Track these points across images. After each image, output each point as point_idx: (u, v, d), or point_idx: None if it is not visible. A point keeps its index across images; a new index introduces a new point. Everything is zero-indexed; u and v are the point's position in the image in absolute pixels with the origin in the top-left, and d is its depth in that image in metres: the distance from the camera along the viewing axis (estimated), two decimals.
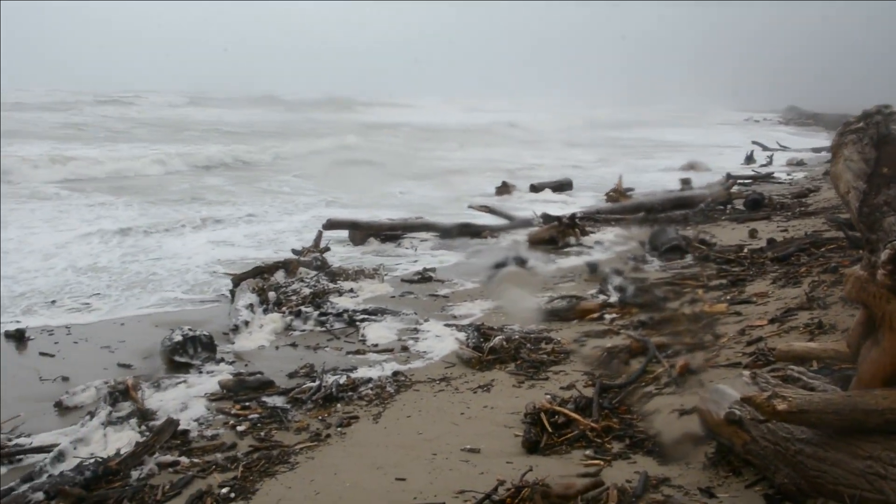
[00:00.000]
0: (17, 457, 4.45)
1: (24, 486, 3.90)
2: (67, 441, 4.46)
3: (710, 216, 12.31)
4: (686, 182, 16.41)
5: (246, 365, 6.08)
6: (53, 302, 7.93)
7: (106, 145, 24.63)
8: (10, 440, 4.63)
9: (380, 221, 11.78)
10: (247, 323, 6.95)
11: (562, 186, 17.03)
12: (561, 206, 14.02)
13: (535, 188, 16.74)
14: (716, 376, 4.79)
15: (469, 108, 60.11)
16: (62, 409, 5.25)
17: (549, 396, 4.81)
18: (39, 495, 3.80)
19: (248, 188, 17.30)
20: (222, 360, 6.11)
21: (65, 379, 5.83)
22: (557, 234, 10.77)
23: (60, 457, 4.29)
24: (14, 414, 5.12)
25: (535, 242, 10.89)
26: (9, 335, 6.75)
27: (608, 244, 10.66)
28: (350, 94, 66.48)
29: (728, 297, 6.89)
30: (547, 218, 11.74)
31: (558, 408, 4.45)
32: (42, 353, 6.45)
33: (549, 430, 4.26)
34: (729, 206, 13.14)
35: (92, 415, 4.82)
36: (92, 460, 4.15)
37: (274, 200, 15.57)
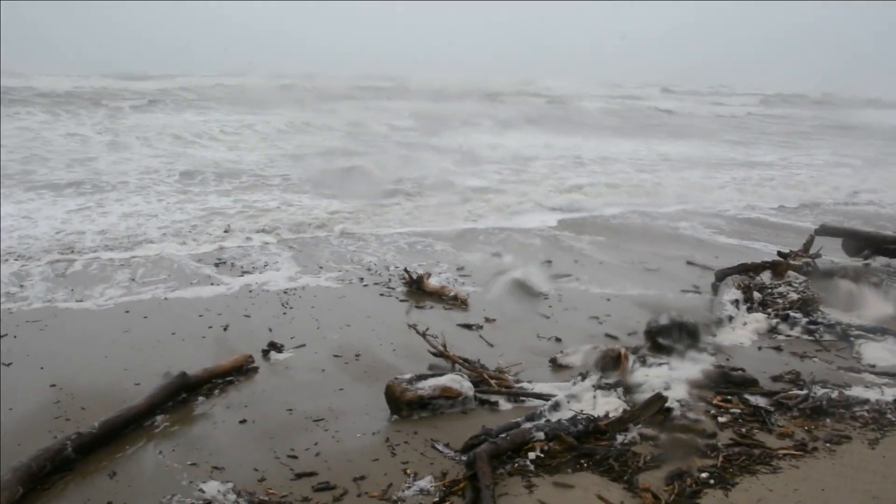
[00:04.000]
0: (521, 398, 5.36)
1: (529, 424, 4.75)
2: (562, 395, 5.27)
3: None
4: None
5: (727, 359, 6.33)
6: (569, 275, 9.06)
7: None
8: (517, 381, 5.59)
9: (884, 234, 10.72)
10: (730, 318, 7.18)
11: None
12: None
13: None
14: None
15: None
16: (556, 365, 6.16)
17: None
18: (540, 434, 4.58)
19: None
20: (704, 349, 6.41)
21: (558, 340, 6.76)
22: None
23: (556, 407, 5.09)
24: (516, 361, 6.13)
25: None
26: (513, 285, 8.06)
27: None
28: None
29: None
30: None
31: None
32: (539, 314, 7.53)
33: None
34: None
35: (583, 376, 5.59)
36: (584, 416, 4.83)
37: None
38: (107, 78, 40.79)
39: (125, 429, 4.86)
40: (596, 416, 4.96)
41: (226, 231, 10.76)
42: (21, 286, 8.15)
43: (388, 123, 27.54)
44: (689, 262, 9.85)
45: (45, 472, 4.30)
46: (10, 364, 6.07)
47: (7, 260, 9.03)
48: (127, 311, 7.39)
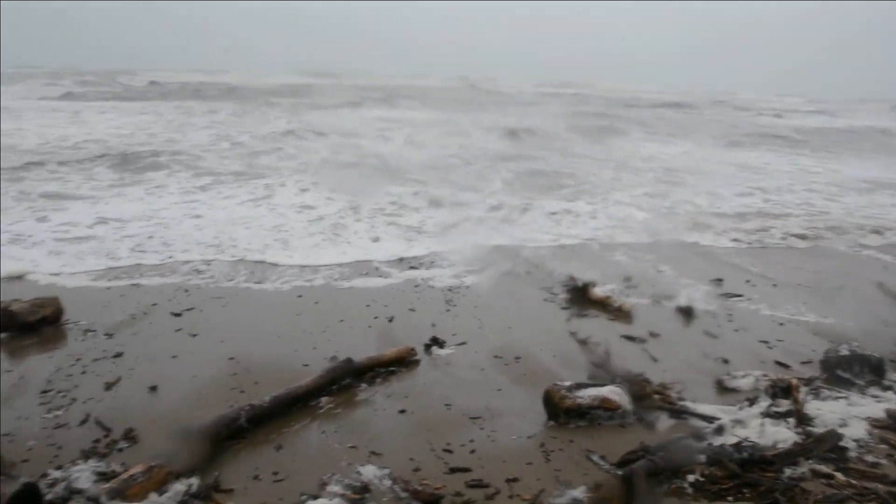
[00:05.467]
0: (683, 415, 5.19)
1: (690, 445, 4.56)
2: (727, 419, 5.06)
3: None
4: None
5: None
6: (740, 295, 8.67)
7: None
8: (679, 399, 5.42)
9: None
10: None
11: None
12: None
13: None
14: None
15: None
16: (721, 387, 5.93)
17: None
18: (701, 457, 4.41)
19: None
20: (890, 388, 5.94)
21: (725, 361, 6.48)
22: None
23: (720, 431, 4.90)
24: (679, 378, 5.94)
25: None
26: (679, 309, 7.76)
27: None
28: None
29: None
30: None
31: None
32: (706, 333, 7.22)
33: None
34: None
35: (751, 402, 5.34)
36: (749, 444, 4.61)
37: None
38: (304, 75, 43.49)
39: (293, 406, 5.14)
40: (763, 445, 4.72)
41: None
42: (208, 265, 8.87)
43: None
44: (880, 285, 9.12)
45: (222, 437, 4.63)
46: (195, 335, 6.60)
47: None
48: (300, 296, 7.82)
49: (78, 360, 6.03)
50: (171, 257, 9.17)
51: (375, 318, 7.18)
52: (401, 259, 9.39)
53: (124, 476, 4.04)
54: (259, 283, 8.28)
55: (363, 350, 6.08)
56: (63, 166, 15.50)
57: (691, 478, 4.39)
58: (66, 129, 22.86)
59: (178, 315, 7.10)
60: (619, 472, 4.39)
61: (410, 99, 40.36)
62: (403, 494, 4.17)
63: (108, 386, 5.55)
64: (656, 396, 5.53)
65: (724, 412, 5.33)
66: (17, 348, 6.31)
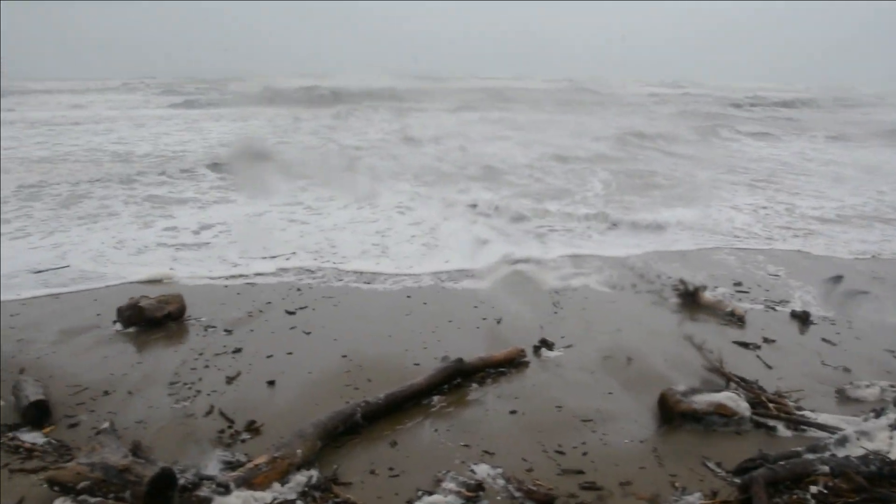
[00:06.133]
0: (802, 427, 5.03)
1: (811, 456, 4.46)
2: (851, 430, 4.86)
3: None
4: None
5: None
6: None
7: None
8: (798, 409, 5.25)
9: None
10: None
11: None
12: None
13: None
14: None
15: None
16: (843, 397, 5.72)
17: None
18: (825, 468, 4.28)
19: None
20: None
21: (846, 370, 6.24)
22: None
23: (843, 442, 4.72)
24: (797, 387, 5.76)
25: None
26: (794, 315, 7.50)
27: None
28: None
29: None
30: None
31: None
32: (823, 340, 6.96)
33: None
34: None
35: (877, 413, 5.11)
36: (877, 457, 4.43)
37: None
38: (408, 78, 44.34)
39: (406, 404, 5.25)
40: (893, 459, 4.51)
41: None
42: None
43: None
44: None
45: (337, 431, 4.78)
46: (309, 333, 6.83)
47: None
48: (409, 297, 7.97)
49: (200, 354, 6.33)
50: (282, 257, 9.50)
51: (483, 319, 7.24)
52: (506, 261, 9.41)
53: (250, 465, 4.23)
54: (368, 283, 8.48)
55: (472, 351, 6.14)
56: (174, 172, 16.23)
57: (814, 489, 4.24)
58: (179, 135, 23.96)
59: (291, 313, 7.36)
60: (737, 480, 4.30)
61: (516, 101, 40.38)
62: (517, 494, 4.21)
63: (230, 380, 5.80)
64: (772, 405, 5.37)
65: (847, 423, 5.13)
66: (145, 342, 6.67)
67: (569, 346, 6.53)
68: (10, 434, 4.84)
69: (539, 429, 5.01)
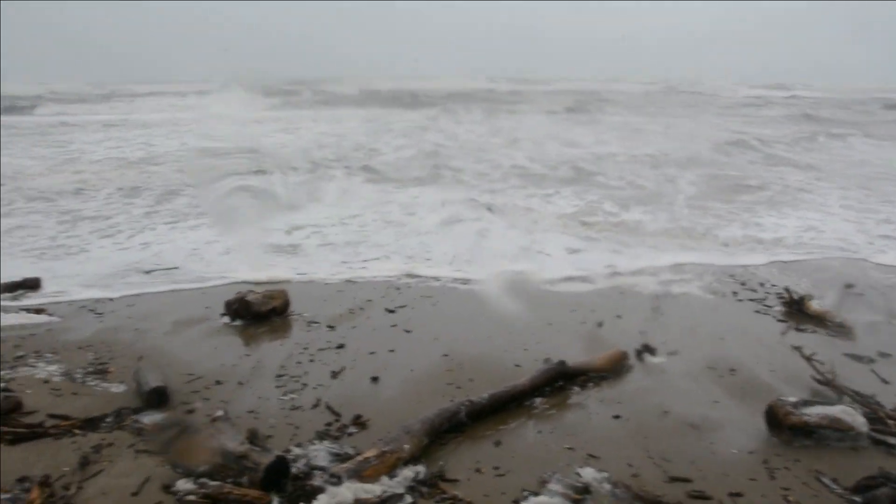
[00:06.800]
0: None
1: None
2: None
3: None
4: None
5: None
6: None
7: None
8: None
9: None
10: None
11: None
12: None
13: None
14: None
15: None
16: None
17: None
18: None
19: None
20: None
21: None
22: None
23: None
24: None
25: None
26: None
27: None
28: None
29: None
30: None
31: None
32: None
33: None
34: None
35: None
36: None
37: None
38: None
39: (509, 404, 5.27)
40: None
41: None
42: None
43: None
44: None
45: (442, 429, 4.84)
46: (410, 331, 6.93)
47: None
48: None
49: (305, 348, 6.51)
50: (380, 258, 9.68)
51: (583, 322, 7.20)
52: (603, 266, 9.32)
53: (360, 458, 4.33)
54: (465, 283, 8.54)
55: (572, 354, 6.10)
56: (271, 171, 16.71)
57: None
58: (278, 136, 24.68)
59: (391, 311, 7.48)
60: (857, 498, 4.15)
61: (612, 104, 39.97)
62: (624, 497, 4.17)
63: (334, 374, 5.95)
64: (891, 421, 5.15)
65: None
66: (252, 335, 6.91)
67: (672, 353, 6.42)
68: (134, 417, 5.10)
69: (644, 434, 4.95)
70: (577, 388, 5.66)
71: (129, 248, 10.33)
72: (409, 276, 8.83)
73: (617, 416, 5.22)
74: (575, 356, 6.03)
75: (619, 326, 7.11)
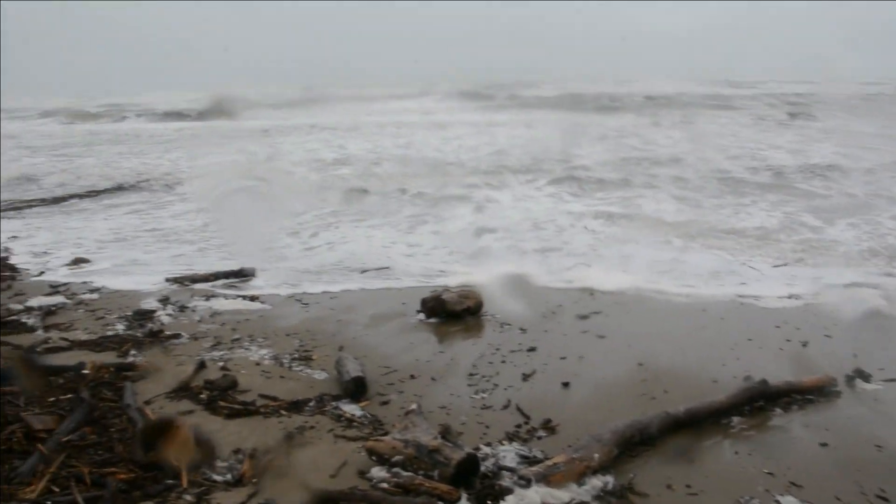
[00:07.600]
0: None
1: None
2: None
3: None
4: None
5: None
6: None
7: None
8: None
9: None
10: None
11: None
12: None
13: None
14: None
15: None
16: None
17: None
18: None
19: None
20: None
21: None
22: None
23: None
24: None
25: None
26: None
27: None
28: None
29: None
30: None
31: None
32: None
33: None
34: None
35: None
36: None
37: None
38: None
39: (705, 420, 5.08)
40: None
41: None
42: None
43: None
44: None
45: (633, 441, 4.74)
46: (602, 337, 6.86)
47: None
48: (704, 310, 7.68)
49: (497, 350, 6.61)
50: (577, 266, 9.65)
51: (787, 340, 6.76)
52: (812, 281, 8.73)
53: (549, 463, 4.34)
54: (660, 292, 8.31)
55: (773, 373, 5.76)
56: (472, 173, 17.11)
57: None
58: (474, 139, 25.29)
59: (584, 318, 7.43)
60: None
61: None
62: None
63: (525, 377, 6.00)
64: None
65: None
66: (445, 333, 7.12)
67: (890, 381, 5.89)
68: (334, 403, 5.42)
69: (856, 467, 4.57)
70: (779, 410, 5.34)
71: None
72: (601, 285, 8.68)
73: (824, 444, 4.86)
74: (777, 376, 5.69)
75: (827, 347, 6.62)
